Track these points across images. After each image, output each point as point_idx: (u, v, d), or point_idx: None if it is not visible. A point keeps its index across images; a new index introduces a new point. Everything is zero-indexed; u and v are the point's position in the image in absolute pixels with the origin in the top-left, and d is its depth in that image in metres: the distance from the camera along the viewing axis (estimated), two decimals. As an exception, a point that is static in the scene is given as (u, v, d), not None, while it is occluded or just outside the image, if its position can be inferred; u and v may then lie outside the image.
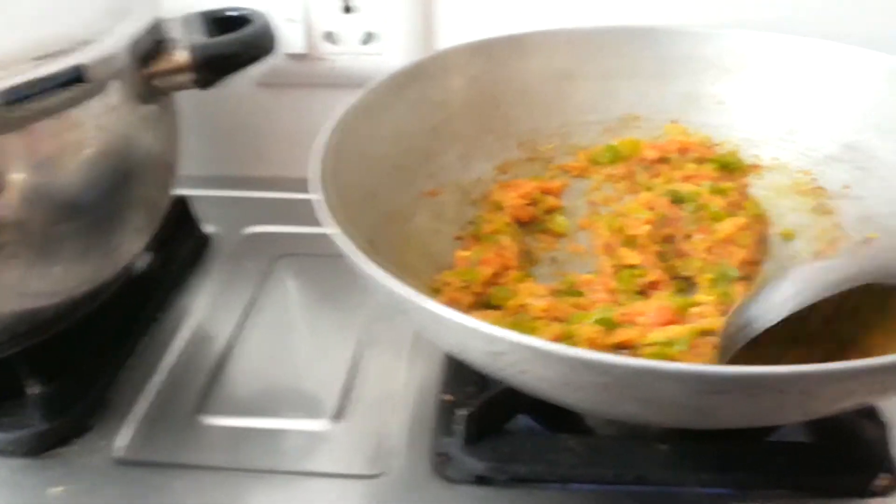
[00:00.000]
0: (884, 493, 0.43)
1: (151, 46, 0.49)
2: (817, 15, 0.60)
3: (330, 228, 0.39)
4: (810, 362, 0.29)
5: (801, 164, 0.56)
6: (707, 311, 0.46)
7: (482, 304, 0.49)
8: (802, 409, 0.32)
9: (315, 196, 0.42)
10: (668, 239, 0.53)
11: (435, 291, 0.48)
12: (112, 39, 0.45)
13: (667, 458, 0.44)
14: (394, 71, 0.53)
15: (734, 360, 0.39)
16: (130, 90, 0.48)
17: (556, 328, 0.45)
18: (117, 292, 0.55)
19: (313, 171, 0.43)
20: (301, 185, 0.65)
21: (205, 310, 0.59)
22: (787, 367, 0.27)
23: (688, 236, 0.53)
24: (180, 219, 0.65)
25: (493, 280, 0.50)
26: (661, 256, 0.52)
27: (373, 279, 0.36)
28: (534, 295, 0.48)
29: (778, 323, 0.37)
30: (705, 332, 0.44)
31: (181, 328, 0.57)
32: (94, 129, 0.45)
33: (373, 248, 0.44)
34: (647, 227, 0.52)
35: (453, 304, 0.47)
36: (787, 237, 0.54)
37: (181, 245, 0.64)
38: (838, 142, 0.55)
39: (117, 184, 0.48)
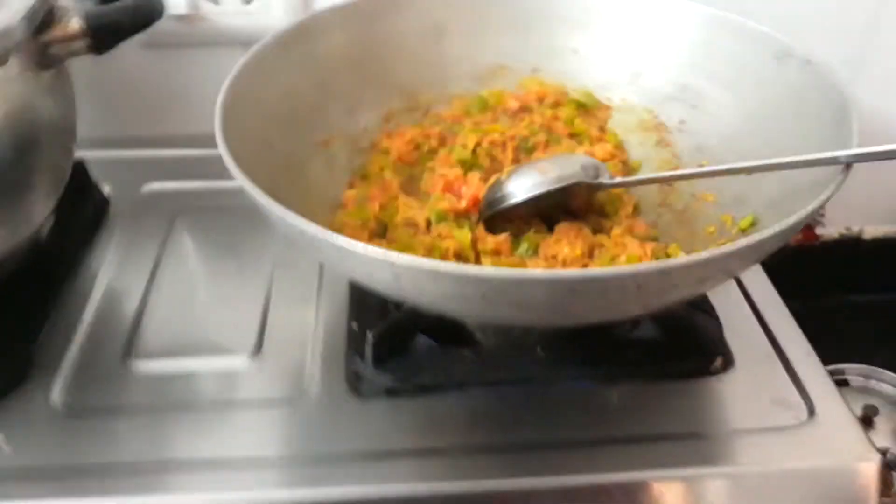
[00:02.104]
0: (720, 371, 0.53)
1: (45, 15, 0.51)
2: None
3: (238, 178, 0.44)
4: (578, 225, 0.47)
5: (645, 103, 0.65)
6: None
7: (379, 233, 0.55)
8: (641, 302, 0.40)
9: (221, 149, 0.46)
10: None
11: (336, 231, 0.53)
12: (7, 13, 0.47)
13: (543, 360, 0.52)
14: (278, 31, 0.57)
15: (490, 224, 0.54)
16: (27, 59, 0.50)
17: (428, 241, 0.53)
18: (25, 259, 0.57)
19: (216, 126, 0.47)
20: (193, 141, 0.69)
21: (114, 269, 0.62)
22: (624, 267, 0.35)
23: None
24: (78, 182, 0.66)
25: (383, 209, 0.56)
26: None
27: (284, 220, 0.41)
28: (411, 208, 0.55)
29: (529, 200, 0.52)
30: None
31: (94, 288, 0.60)
32: (-2, 97, 0.47)
33: (274, 194, 0.50)
34: (510, 133, 0.61)
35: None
36: (635, 167, 0.63)
37: (82, 208, 0.66)
38: (674, 83, 0.64)
39: (22, 151, 0.51)
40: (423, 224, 0.54)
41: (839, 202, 0.84)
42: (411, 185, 0.61)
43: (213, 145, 0.49)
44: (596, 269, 0.36)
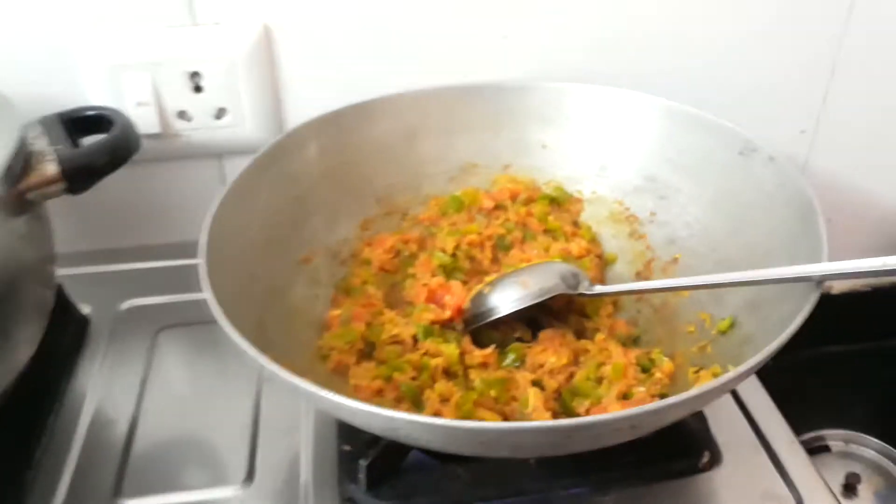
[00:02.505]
0: (709, 467, 0.54)
1: (20, 164, 0.52)
2: (612, 66, 0.71)
3: (226, 328, 0.44)
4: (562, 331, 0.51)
5: (616, 196, 0.67)
6: None
7: (366, 353, 0.56)
8: (634, 433, 0.41)
9: (206, 294, 0.46)
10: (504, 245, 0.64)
11: (323, 358, 0.54)
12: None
13: (536, 472, 0.52)
14: (254, 157, 0.58)
15: (475, 332, 0.56)
16: (6, 211, 0.50)
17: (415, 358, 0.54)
18: (8, 393, 0.56)
19: (201, 270, 0.48)
20: (171, 251, 0.69)
21: (99, 395, 0.62)
22: (618, 413, 0.36)
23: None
24: (57, 304, 0.66)
25: (369, 327, 0.57)
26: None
27: (277, 376, 0.41)
28: (397, 325, 0.56)
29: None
30: None
31: (79, 420, 0.59)
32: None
33: (262, 330, 0.50)
34: (487, 233, 0.63)
35: (342, 366, 0.54)
36: (611, 260, 0.64)
37: (62, 330, 0.66)
38: (642, 174, 0.66)
39: (5, 299, 0.51)
40: (409, 340, 0.55)
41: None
42: (394, 295, 0.62)
43: (191, 255, 0.50)
44: (592, 418, 0.37)
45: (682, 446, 0.54)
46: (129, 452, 0.57)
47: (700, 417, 0.56)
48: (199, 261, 0.49)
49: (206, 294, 0.46)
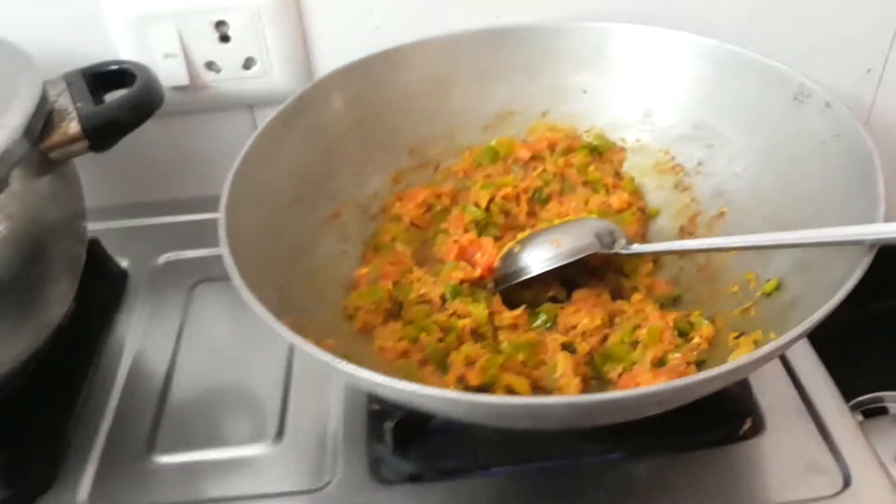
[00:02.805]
0: (750, 435, 0.51)
1: (42, 123, 0.51)
2: (657, 4, 0.66)
3: (240, 290, 0.43)
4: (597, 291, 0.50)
5: (661, 144, 0.63)
6: None
7: (394, 312, 0.55)
8: (662, 407, 0.39)
9: (223, 253, 0.45)
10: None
11: (349, 318, 0.53)
12: (6, 132, 0.46)
13: (567, 435, 0.51)
14: (279, 110, 0.56)
15: (507, 291, 0.53)
16: (30, 170, 0.50)
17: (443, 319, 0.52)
18: (48, 348, 0.57)
19: (220, 228, 0.47)
20: (205, 204, 0.68)
21: (136, 348, 0.62)
22: (643, 389, 0.34)
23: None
24: (94, 259, 0.66)
25: (396, 286, 0.55)
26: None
27: (303, 349, 0.40)
28: (425, 284, 0.54)
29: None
30: None
31: (117, 371, 0.60)
32: (2, 218, 0.47)
33: (285, 290, 0.49)
34: (523, 186, 0.61)
35: (368, 326, 0.52)
36: (654, 214, 0.61)
37: (100, 286, 0.66)
38: (689, 121, 0.61)
39: (36, 257, 0.51)
40: (437, 300, 0.53)
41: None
42: (425, 252, 0.60)
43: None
44: (612, 395, 0.35)
45: (723, 412, 0.52)
46: (164, 406, 0.58)
47: (742, 381, 0.53)
48: (220, 217, 0.48)
49: (224, 253, 0.45)
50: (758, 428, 0.52)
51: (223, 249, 0.46)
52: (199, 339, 0.63)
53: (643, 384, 0.44)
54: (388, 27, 0.66)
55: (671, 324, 0.49)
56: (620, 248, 0.52)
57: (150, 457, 0.54)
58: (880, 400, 0.70)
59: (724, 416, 0.52)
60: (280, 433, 0.55)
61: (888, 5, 0.68)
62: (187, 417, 0.57)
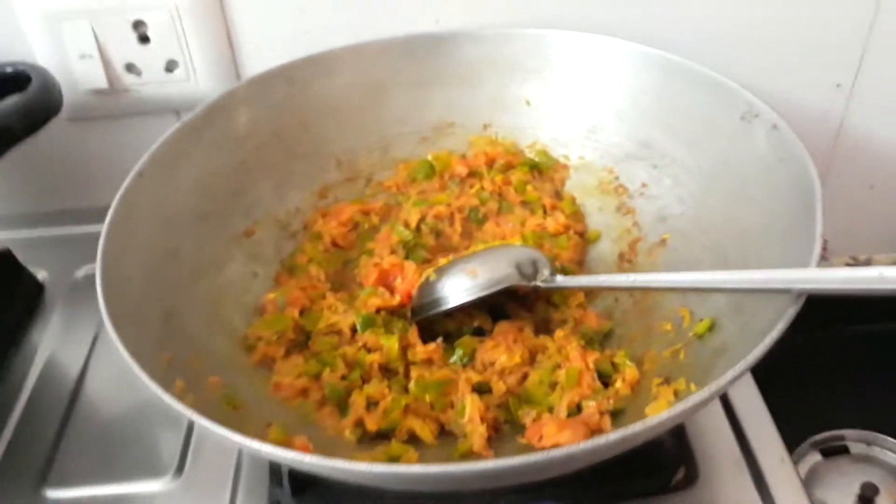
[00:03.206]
0: (682, 486, 0.47)
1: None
2: (606, 13, 0.62)
3: (107, 323, 0.39)
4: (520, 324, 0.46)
5: (605, 163, 0.59)
6: None
7: (300, 342, 0.50)
8: (565, 468, 0.35)
9: (98, 289, 0.41)
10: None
11: (249, 349, 0.49)
12: None
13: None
14: (184, 119, 0.52)
15: (428, 320, 0.49)
16: None
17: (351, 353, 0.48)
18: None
19: (98, 256, 0.43)
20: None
21: (44, 367, 0.58)
22: (533, 456, 0.30)
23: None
24: (6, 271, 0.63)
25: (305, 313, 0.51)
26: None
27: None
28: (336, 312, 0.50)
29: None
30: None
31: (20, 392, 0.57)
32: None
33: (172, 323, 0.45)
34: (458, 204, 0.57)
35: (267, 359, 0.48)
36: (594, 238, 0.57)
37: (12, 299, 0.62)
38: (635, 139, 0.57)
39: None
40: (347, 331, 0.49)
41: (841, 229, 0.78)
42: (346, 274, 0.56)
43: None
44: (504, 461, 0.31)
45: (656, 461, 0.48)
46: (63, 435, 0.54)
47: (678, 426, 0.49)
48: (101, 238, 0.44)
49: (97, 279, 0.41)
50: (691, 478, 0.48)
51: (97, 274, 0.42)
52: (110, 360, 0.59)
53: (547, 437, 0.40)
54: (321, 29, 0.62)
55: (592, 366, 0.45)
56: (542, 280, 0.47)
57: (41, 491, 0.50)
58: (841, 438, 0.65)
59: (657, 465, 0.48)
60: (180, 468, 0.51)
61: (857, 19, 0.64)
62: (86, 448, 0.53)
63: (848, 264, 0.81)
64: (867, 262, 0.81)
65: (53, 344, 0.61)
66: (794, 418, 0.70)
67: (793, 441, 0.66)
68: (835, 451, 0.65)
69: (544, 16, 0.62)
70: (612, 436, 0.32)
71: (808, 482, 0.63)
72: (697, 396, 0.33)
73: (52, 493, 0.50)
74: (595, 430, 0.41)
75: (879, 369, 0.71)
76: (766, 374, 0.64)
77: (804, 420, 0.68)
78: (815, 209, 0.41)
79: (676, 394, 0.40)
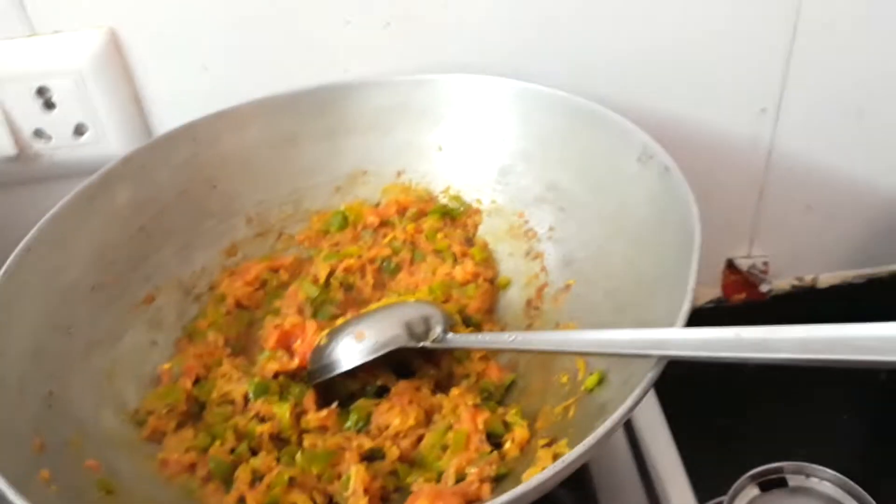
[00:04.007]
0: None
1: None
2: (515, 56, 0.61)
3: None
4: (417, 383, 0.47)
5: (515, 206, 0.58)
6: None
7: (194, 413, 0.49)
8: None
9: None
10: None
11: (139, 424, 0.48)
12: None
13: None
14: (75, 190, 0.52)
15: (323, 384, 0.48)
16: None
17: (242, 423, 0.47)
18: None
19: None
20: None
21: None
22: None
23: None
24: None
25: (202, 379, 0.50)
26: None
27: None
28: (230, 380, 0.49)
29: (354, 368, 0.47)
30: None
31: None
32: None
33: (55, 401, 0.44)
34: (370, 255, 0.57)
35: (157, 433, 0.47)
36: (504, 284, 0.56)
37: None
38: (542, 181, 0.56)
39: None
40: (240, 400, 0.48)
41: (784, 251, 0.77)
42: (251, 335, 0.55)
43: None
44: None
45: (558, 515, 0.46)
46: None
47: (582, 479, 0.47)
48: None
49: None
50: (598, 535, 0.46)
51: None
52: None
53: (420, 510, 0.39)
54: (226, 85, 0.62)
55: (481, 427, 0.43)
56: (432, 339, 0.46)
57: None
58: (780, 471, 0.63)
59: (562, 520, 0.46)
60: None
61: (775, 44, 0.63)
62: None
63: (794, 286, 0.80)
64: (813, 282, 0.80)
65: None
66: (735, 452, 0.69)
67: (732, 475, 0.64)
68: (773, 483, 0.63)
69: (451, 61, 0.61)
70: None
71: (745, 518, 0.61)
72: (535, 480, 0.31)
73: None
74: (472, 500, 0.39)
75: (820, 399, 0.69)
76: (707, 406, 0.63)
77: (743, 454, 0.66)
78: (690, 260, 0.39)
79: (555, 457, 0.39)
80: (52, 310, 0.48)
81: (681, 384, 0.50)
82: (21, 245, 0.48)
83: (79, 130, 0.62)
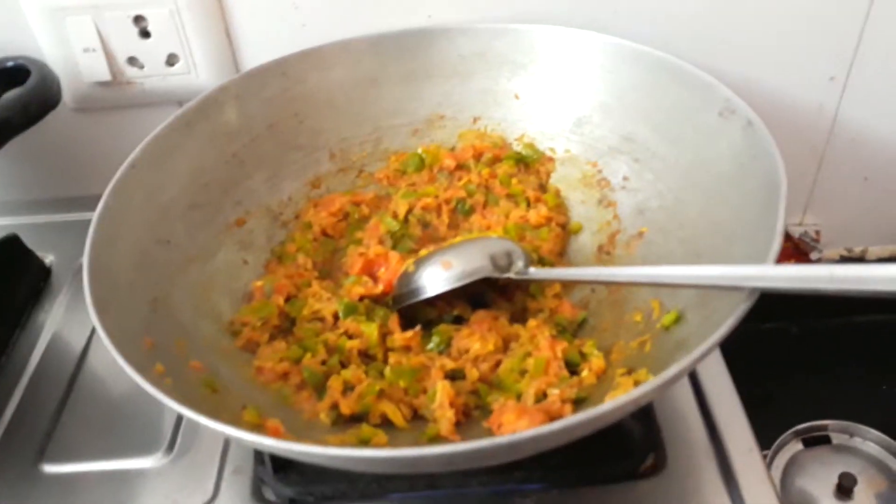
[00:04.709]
0: (649, 473, 0.48)
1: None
2: (596, 9, 0.62)
3: (90, 309, 0.41)
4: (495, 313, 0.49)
5: (589, 156, 0.60)
6: None
7: (285, 328, 0.52)
8: (518, 454, 0.37)
9: (84, 277, 0.43)
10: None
11: (234, 334, 0.51)
12: None
13: (453, 466, 0.48)
14: (176, 113, 0.54)
15: (410, 308, 0.51)
16: None
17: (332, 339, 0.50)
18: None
19: (87, 244, 0.45)
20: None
21: (47, 347, 0.61)
22: (478, 442, 0.32)
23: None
24: (13, 254, 0.65)
25: (291, 300, 0.53)
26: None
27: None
28: (320, 300, 0.52)
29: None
30: None
31: (24, 371, 0.59)
32: None
33: (159, 309, 0.47)
34: (445, 196, 0.58)
35: (251, 343, 0.50)
36: (576, 230, 0.58)
37: (20, 281, 0.65)
38: (618, 133, 0.58)
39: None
40: (330, 318, 0.51)
41: (836, 222, 0.78)
42: (334, 262, 0.58)
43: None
44: (448, 448, 0.33)
45: (626, 446, 0.49)
46: (62, 412, 0.56)
47: (649, 414, 0.50)
48: (91, 226, 0.46)
49: (84, 268, 0.44)
50: (659, 465, 0.49)
51: (84, 263, 0.44)
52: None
53: (505, 424, 0.42)
54: (315, 24, 0.64)
55: (560, 355, 0.46)
56: (515, 272, 0.49)
57: (38, 466, 0.53)
58: (823, 428, 0.66)
59: (626, 451, 0.49)
60: (171, 446, 0.53)
61: (851, 12, 0.64)
62: (84, 425, 0.56)
63: (843, 256, 0.82)
64: (862, 254, 0.82)
65: (58, 325, 0.63)
66: (780, 408, 0.71)
67: (776, 430, 0.67)
68: (816, 440, 0.66)
69: (533, 11, 0.63)
70: (555, 425, 0.33)
71: (789, 471, 0.64)
72: (649, 385, 0.34)
73: (49, 468, 0.53)
74: (555, 418, 0.42)
75: (864, 360, 0.71)
76: (753, 363, 0.66)
77: (789, 409, 0.68)
78: (777, 207, 0.41)
79: (636, 383, 0.42)
80: (153, 224, 0.51)
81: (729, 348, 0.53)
82: (127, 161, 0.51)
83: (170, 61, 0.65)
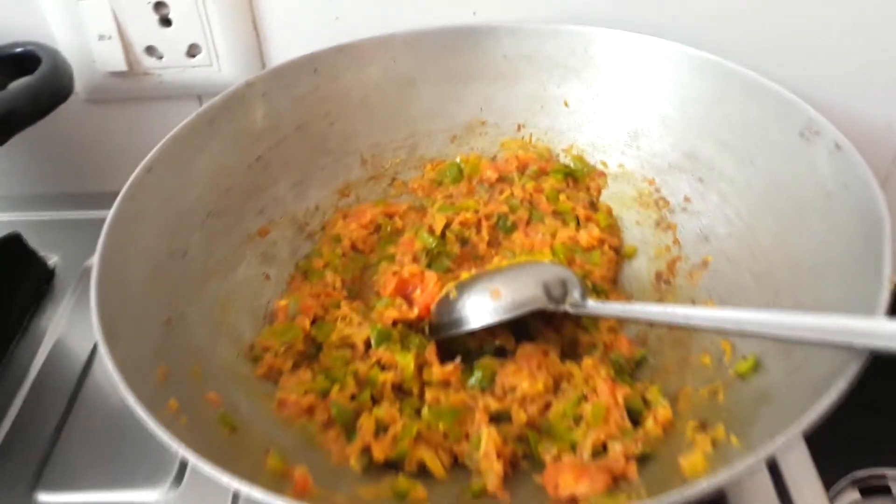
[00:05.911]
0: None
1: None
2: (657, 12, 0.57)
3: (97, 333, 0.37)
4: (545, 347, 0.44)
5: (646, 173, 0.54)
6: None
7: (310, 354, 0.47)
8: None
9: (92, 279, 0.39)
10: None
11: (254, 360, 0.46)
12: None
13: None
14: (200, 110, 0.49)
15: (442, 340, 0.46)
16: None
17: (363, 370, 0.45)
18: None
19: (96, 256, 0.40)
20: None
21: (47, 358, 0.56)
22: None
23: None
24: (15, 255, 0.61)
25: (318, 322, 0.48)
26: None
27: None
28: (350, 323, 0.47)
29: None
30: None
31: (22, 383, 0.54)
32: None
33: (172, 331, 0.42)
34: (486, 211, 0.54)
35: (273, 372, 0.45)
36: (630, 254, 0.53)
37: (22, 284, 0.60)
38: (680, 148, 0.53)
39: None
40: (361, 346, 0.46)
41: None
42: (364, 280, 0.53)
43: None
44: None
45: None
46: (60, 435, 0.52)
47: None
48: (102, 233, 0.41)
49: (92, 284, 0.39)
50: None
51: (93, 278, 0.39)
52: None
53: (563, 486, 0.37)
54: (351, 18, 0.59)
55: (621, 401, 0.41)
56: (571, 303, 0.44)
57: (33, 495, 0.48)
58: (882, 477, 0.61)
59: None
60: (179, 477, 0.49)
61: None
62: (85, 447, 0.51)
63: None
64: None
65: (60, 332, 0.58)
66: (834, 452, 0.66)
67: (830, 475, 0.61)
68: (875, 490, 0.60)
69: (588, 12, 0.58)
70: None
71: (847, 523, 0.59)
72: (744, 463, 0.29)
73: (44, 497, 0.48)
74: (618, 478, 0.37)
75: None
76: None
77: (844, 455, 0.63)
78: (882, 246, 0.36)
79: (714, 443, 0.36)
80: (169, 233, 0.46)
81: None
82: (142, 164, 0.46)
83: (191, 51, 0.60)
